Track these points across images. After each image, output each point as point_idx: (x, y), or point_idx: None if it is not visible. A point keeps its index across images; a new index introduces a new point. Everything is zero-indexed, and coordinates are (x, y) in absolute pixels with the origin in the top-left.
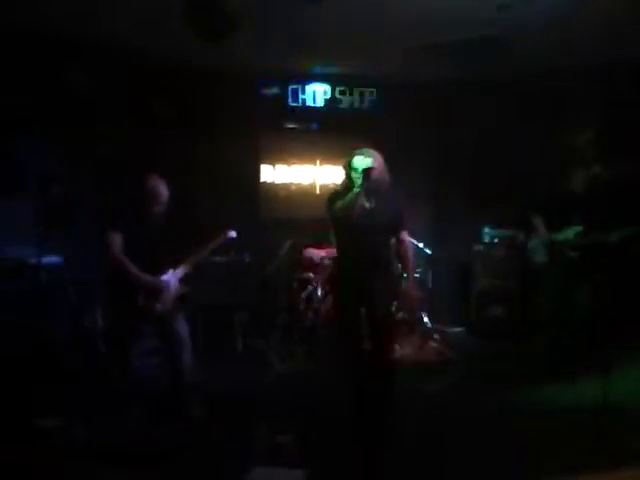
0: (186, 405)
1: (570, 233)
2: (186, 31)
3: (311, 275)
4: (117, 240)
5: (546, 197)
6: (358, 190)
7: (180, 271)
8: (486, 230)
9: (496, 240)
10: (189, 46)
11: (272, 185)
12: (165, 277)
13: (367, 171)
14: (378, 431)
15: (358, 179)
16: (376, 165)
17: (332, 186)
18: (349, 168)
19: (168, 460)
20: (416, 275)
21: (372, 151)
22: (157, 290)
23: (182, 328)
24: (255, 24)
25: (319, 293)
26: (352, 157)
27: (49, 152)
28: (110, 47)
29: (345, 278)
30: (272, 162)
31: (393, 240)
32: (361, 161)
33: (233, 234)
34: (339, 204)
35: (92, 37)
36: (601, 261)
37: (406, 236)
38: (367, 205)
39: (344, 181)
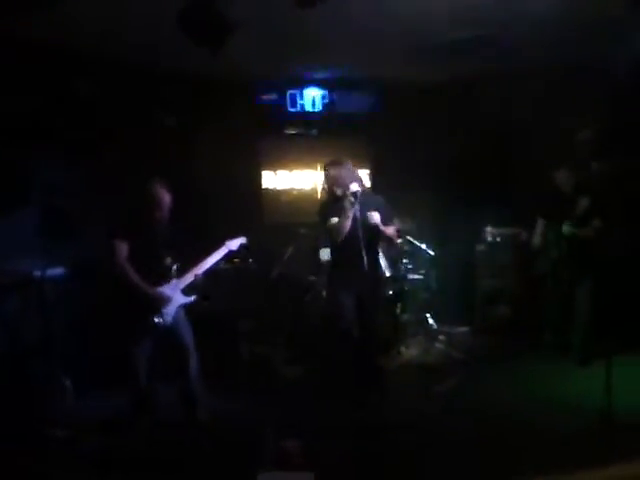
0: (193, 411)
1: (565, 231)
2: (185, 39)
3: (315, 278)
4: (123, 249)
5: (546, 196)
6: (350, 209)
7: (184, 280)
8: (488, 229)
9: (498, 239)
10: (188, 54)
11: (274, 191)
12: (168, 286)
13: (355, 194)
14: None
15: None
16: (344, 172)
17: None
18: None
19: (176, 466)
20: (419, 277)
21: (344, 161)
22: (160, 300)
23: (187, 335)
24: (252, 30)
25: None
26: (330, 166)
27: (51, 163)
28: (111, 56)
29: (340, 275)
30: (273, 168)
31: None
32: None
33: (233, 247)
34: (334, 222)
35: (94, 47)
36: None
37: (390, 229)
38: (358, 216)
39: (325, 190)
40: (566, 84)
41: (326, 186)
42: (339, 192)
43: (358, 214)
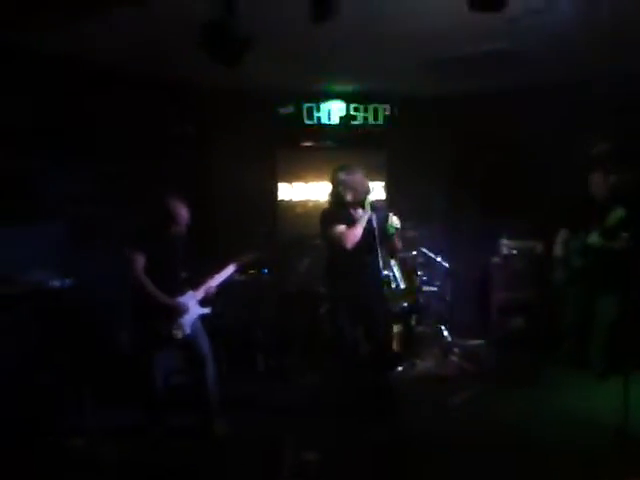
0: (210, 422)
1: (594, 241)
2: (202, 53)
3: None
4: (140, 261)
5: (572, 204)
6: (364, 217)
7: (200, 292)
8: (504, 242)
9: (514, 252)
10: (205, 67)
11: (289, 202)
12: (185, 298)
13: (373, 203)
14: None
15: (367, 206)
16: (356, 178)
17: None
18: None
19: (192, 477)
20: (434, 289)
21: (355, 167)
22: (177, 311)
23: (204, 345)
24: (270, 43)
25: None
26: (339, 172)
27: (70, 175)
28: (131, 70)
29: (347, 285)
30: (289, 180)
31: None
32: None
33: (246, 260)
34: (342, 229)
35: (114, 61)
36: (619, 268)
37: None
38: (373, 224)
39: (333, 196)
40: (581, 96)
41: (335, 191)
42: (349, 198)
43: (374, 222)
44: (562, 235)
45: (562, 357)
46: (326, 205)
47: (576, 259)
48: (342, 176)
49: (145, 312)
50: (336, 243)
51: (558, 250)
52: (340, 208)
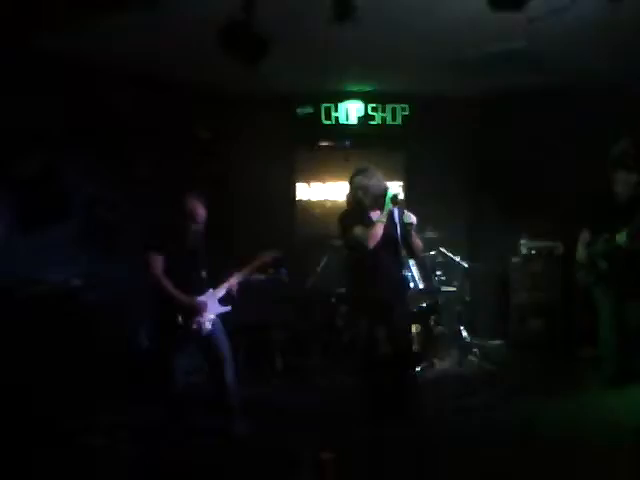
0: (229, 421)
1: (622, 241)
2: (221, 54)
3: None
4: (157, 260)
5: (587, 207)
6: (385, 215)
7: (220, 290)
8: (523, 242)
9: (533, 252)
10: (225, 68)
11: (307, 202)
12: (205, 296)
13: (395, 197)
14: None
15: (388, 203)
16: (373, 180)
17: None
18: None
19: (210, 476)
20: (453, 289)
21: (372, 169)
22: (196, 309)
23: (223, 345)
24: (288, 44)
25: None
26: (357, 176)
27: (91, 175)
28: (150, 74)
29: (368, 286)
30: (307, 180)
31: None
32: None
33: (267, 259)
34: (362, 230)
35: (133, 65)
36: None
37: (418, 240)
38: (396, 221)
39: (351, 199)
40: (602, 95)
41: (353, 195)
42: (367, 201)
43: (396, 218)
44: (584, 237)
45: (601, 376)
46: (345, 207)
47: (602, 262)
48: (360, 180)
49: (164, 311)
50: (358, 245)
51: (581, 253)
52: (359, 211)
